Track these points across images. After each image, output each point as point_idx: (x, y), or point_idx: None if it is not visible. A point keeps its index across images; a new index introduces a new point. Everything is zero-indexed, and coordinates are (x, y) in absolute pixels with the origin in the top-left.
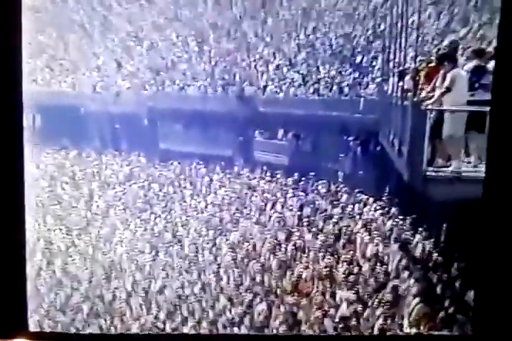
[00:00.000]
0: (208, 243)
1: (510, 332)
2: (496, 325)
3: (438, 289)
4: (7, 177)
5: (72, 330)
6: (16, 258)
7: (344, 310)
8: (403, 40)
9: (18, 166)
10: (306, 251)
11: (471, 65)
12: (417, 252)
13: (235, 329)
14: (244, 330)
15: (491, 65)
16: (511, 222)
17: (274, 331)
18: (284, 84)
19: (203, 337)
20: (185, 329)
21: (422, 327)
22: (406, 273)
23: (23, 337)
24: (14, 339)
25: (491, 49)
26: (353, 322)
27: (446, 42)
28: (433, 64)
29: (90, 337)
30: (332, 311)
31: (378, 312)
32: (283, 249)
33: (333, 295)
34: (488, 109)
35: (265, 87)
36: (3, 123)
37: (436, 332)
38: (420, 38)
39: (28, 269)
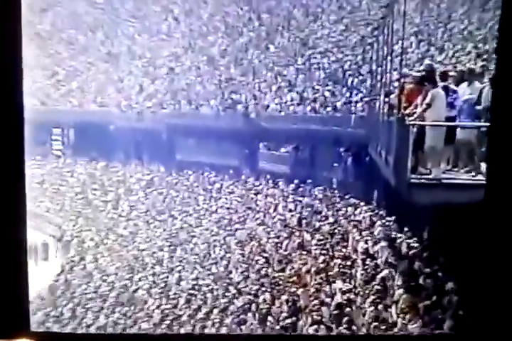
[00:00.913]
0: (218, 241)
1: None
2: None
3: (421, 281)
4: (10, 184)
5: (102, 316)
6: (18, 261)
7: (339, 299)
8: (388, 64)
9: (19, 174)
10: (305, 248)
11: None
12: (403, 248)
13: (242, 316)
14: (249, 316)
15: (460, 86)
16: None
17: (277, 317)
18: (285, 103)
19: (208, 337)
20: (200, 315)
21: (408, 315)
22: (393, 267)
23: (24, 337)
24: (16, 340)
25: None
26: (347, 309)
27: (424, 66)
28: (415, 84)
29: (90, 337)
30: (328, 300)
31: (369, 300)
32: (284, 246)
33: (329, 286)
34: (460, 124)
35: (268, 105)
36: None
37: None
38: (403, 62)
39: (62, 264)
